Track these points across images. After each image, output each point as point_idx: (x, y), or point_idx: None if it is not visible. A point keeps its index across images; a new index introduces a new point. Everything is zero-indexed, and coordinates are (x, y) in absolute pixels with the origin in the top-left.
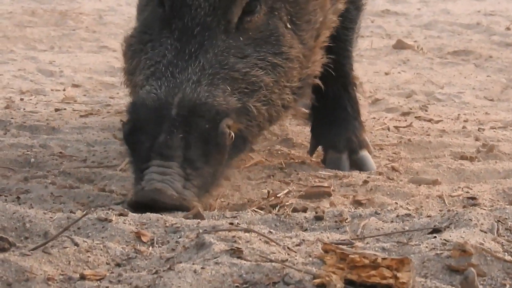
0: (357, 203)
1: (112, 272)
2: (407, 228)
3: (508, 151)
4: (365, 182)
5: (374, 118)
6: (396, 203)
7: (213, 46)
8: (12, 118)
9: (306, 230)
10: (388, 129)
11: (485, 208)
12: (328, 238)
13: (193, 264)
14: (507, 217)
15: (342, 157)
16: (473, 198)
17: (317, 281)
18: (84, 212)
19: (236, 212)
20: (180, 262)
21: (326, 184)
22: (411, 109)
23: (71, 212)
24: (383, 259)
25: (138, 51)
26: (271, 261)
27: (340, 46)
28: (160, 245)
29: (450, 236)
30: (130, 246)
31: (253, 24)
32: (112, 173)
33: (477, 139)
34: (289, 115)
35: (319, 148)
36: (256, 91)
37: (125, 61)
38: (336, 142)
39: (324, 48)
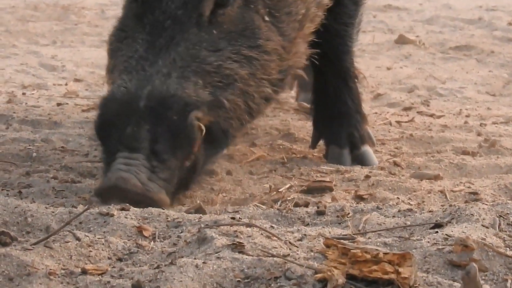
0: (359, 198)
1: (113, 267)
2: (408, 223)
3: (510, 146)
4: (367, 177)
5: (376, 113)
6: (398, 198)
7: (184, 39)
8: (14, 112)
9: (308, 225)
10: (390, 124)
11: (487, 203)
12: (329, 233)
13: (195, 258)
14: (508, 212)
15: (343, 152)
16: (475, 193)
17: (318, 276)
18: (86, 207)
19: (238, 206)
20: (182, 257)
21: (328, 179)
22: (413, 104)
23: (73, 206)
24: (385, 254)
25: (116, 49)
26: (272, 256)
27: (339, 41)
28: (162, 239)
29: (452, 231)
30: (131, 240)
31: (226, 17)
32: None
33: (479, 134)
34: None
35: (321, 142)
36: (230, 84)
37: (107, 60)
38: (338, 137)
39: (323, 42)
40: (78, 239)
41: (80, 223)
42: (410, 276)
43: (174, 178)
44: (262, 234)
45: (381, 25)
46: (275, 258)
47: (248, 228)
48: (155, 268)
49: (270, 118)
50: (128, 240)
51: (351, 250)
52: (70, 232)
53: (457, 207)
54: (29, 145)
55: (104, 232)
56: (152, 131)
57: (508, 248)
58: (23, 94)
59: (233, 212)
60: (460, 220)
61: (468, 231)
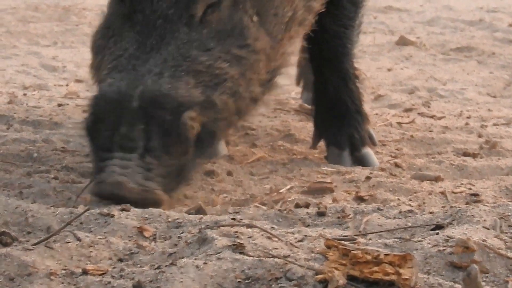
0: (360, 199)
1: (114, 267)
2: (409, 224)
3: (511, 148)
4: (368, 178)
5: (376, 114)
6: (399, 199)
7: (175, 38)
8: (15, 113)
9: (308, 226)
10: (391, 125)
11: (487, 204)
12: (330, 234)
13: (196, 259)
14: (510, 213)
15: (343, 153)
16: (475, 195)
17: (319, 277)
18: (87, 207)
19: (238, 207)
20: (183, 257)
21: (328, 180)
22: (413, 105)
23: (73, 207)
24: (386, 255)
25: (102, 47)
26: (273, 256)
27: (338, 43)
28: (163, 240)
29: (453, 232)
30: (132, 241)
31: (216, 16)
32: None
33: (480, 136)
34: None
35: (322, 144)
36: (220, 83)
37: (92, 56)
38: (338, 139)
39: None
40: (78, 239)
41: (81, 223)
42: (411, 277)
43: (170, 176)
44: (262, 235)
45: (381, 26)
46: (275, 259)
47: (248, 229)
48: (155, 269)
49: (270, 119)
50: (129, 241)
51: (352, 251)
52: (71, 232)
53: (458, 208)
54: (30, 146)
55: (104, 232)
56: (146, 131)
57: (509, 250)
58: (24, 94)
59: (233, 212)
60: (461, 222)
61: (469, 233)
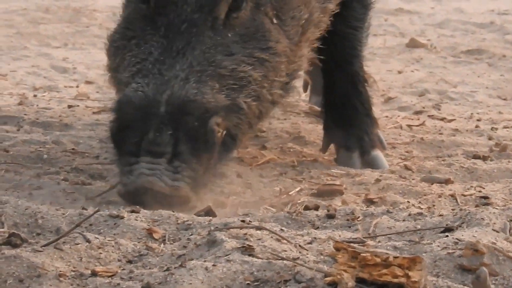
0: (369, 202)
1: (123, 269)
2: (419, 227)
3: None
4: (377, 180)
5: (386, 116)
6: (408, 201)
7: (200, 43)
8: (25, 114)
9: (317, 228)
10: (401, 127)
11: (497, 207)
12: (339, 236)
13: (205, 261)
14: None
15: (353, 155)
16: (485, 198)
17: (328, 279)
18: (96, 209)
19: (248, 209)
20: (192, 259)
21: (338, 182)
22: (424, 107)
23: (83, 208)
24: (395, 257)
25: (122, 48)
26: (282, 259)
27: (348, 45)
28: (172, 242)
29: (462, 235)
30: (141, 243)
31: (239, 20)
32: None
33: (490, 138)
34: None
35: (332, 146)
36: (245, 86)
37: (108, 57)
38: (347, 141)
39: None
40: (88, 241)
41: (90, 225)
42: (420, 280)
43: (196, 179)
44: (272, 237)
45: (392, 29)
46: (285, 261)
47: (258, 231)
48: (164, 271)
49: (280, 121)
50: (138, 242)
51: (361, 254)
52: (80, 234)
53: (468, 211)
54: (40, 147)
55: (114, 234)
56: (173, 137)
57: None
58: (34, 96)
59: (243, 215)
60: (470, 224)
61: (478, 235)
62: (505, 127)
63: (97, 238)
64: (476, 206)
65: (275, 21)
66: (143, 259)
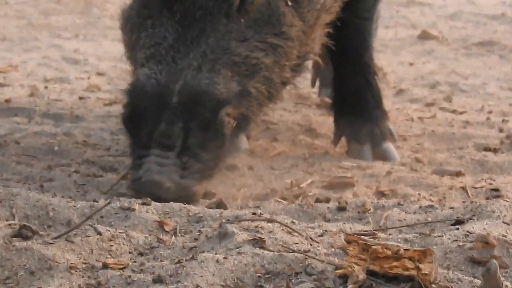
0: (380, 194)
1: (134, 261)
2: (429, 219)
3: None
4: (389, 173)
5: (398, 108)
6: (419, 194)
7: (214, 30)
8: (36, 106)
9: (328, 220)
10: (412, 119)
11: (508, 200)
12: (350, 229)
13: (216, 254)
14: None
15: (364, 148)
16: (496, 190)
17: (339, 272)
18: (107, 201)
19: (259, 202)
20: (203, 252)
21: (349, 175)
22: (435, 100)
23: (94, 200)
24: (406, 250)
25: (138, 25)
26: (293, 251)
27: (358, 36)
28: (183, 234)
29: (473, 227)
30: (153, 235)
31: (254, 5)
32: None
33: (501, 131)
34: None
35: (343, 138)
36: (256, 72)
37: (124, 33)
38: (358, 134)
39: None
40: (99, 233)
41: (102, 217)
42: (431, 272)
43: (205, 171)
44: (283, 229)
45: (403, 21)
46: (296, 254)
47: (269, 224)
48: (176, 263)
49: (292, 113)
50: (149, 235)
51: (372, 246)
52: (91, 226)
53: (478, 203)
54: (51, 139)
55: (125, 226)
56: (185, 129)
57: None
58: (45, 87)
59: (254, 207)
60: (481, 217)
61: (489, 228)
62: None
63: (108, 230)
64: (487, 198)
65: (290, 3)
66: (154, 251)
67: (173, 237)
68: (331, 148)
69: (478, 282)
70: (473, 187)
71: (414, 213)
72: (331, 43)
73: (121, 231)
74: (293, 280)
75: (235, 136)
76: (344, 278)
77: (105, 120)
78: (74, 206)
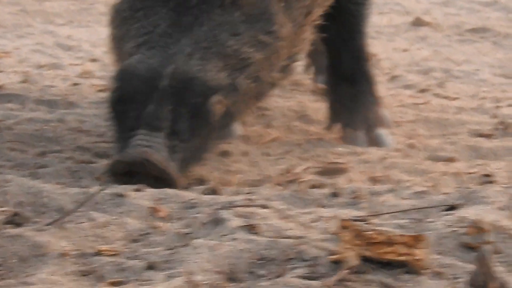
0: (374, 180)
1: (128, 248)
2: (423, 205)
3: None
4: (383, 158)
5: (392, 95)
6: (413, 180)
7: (208, 20)
8: (29, 92)
9: (323, 206)
10: (406, 106)
11: (501, 185)
12: (345, 214)
13: (210, 240)
14: None
15: (358, 134)
16: (489, 176)
17: (333, 257)
18: (101, 187)
19: (253, 188)
20: (197, 238)
21: (343, 161)
22: (428, 86)
23: (87, 187)
24: (399, 235)
25: (129, 18)
26: (287, 237)
27: (352, 21)
28: (177, 220)
29: (466, 213)
30: (146, 221)
31: (248, 0)
32: None
33: (494, 117)
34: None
35: (337, 124)
36: (246, 67)
37: (113, 27)
38: (353, 119)
39: (335, 23)
40: (92, 220)
41: (95, 203)
42: (424, 258)
43: (191, 159)
44: (277, 215)
45: (398, 7)
46: (289, 240)
47: (263, 210)
48: (169, 249)
49: (286, 99)
50: (143, 221)
51: (366, 232)
52: (85, 212)
53: (472, 189)
54: (45, 125)
55: (119, 213)
56: (173, 112)
57: None
58: (39, 74)
59: (248, 193)
60: (474, 202)
61: (482, 213)
62: (509, 106)
63: (102, 217)
64: (480, 184)
65: (281, 3)
66: (148, 238)
67: (166, 224)
68: (326, 134)
69: (471, 267)
70: (467, 172)
71: (408, 198)
72: (325, 27)
73: (114, 217)
74: (287, 266)
75: (225, 126)
76: (338, 263)
77: (98, 106)
78: (67, 192)
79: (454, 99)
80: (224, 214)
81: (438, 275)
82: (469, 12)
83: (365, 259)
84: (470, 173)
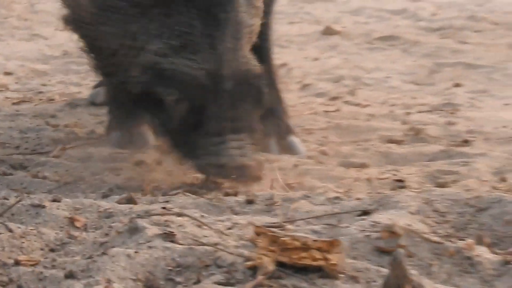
0: (288, 187)
1: (46, 258)
2: (337, 210)
3: (434, 134)
4: (295, 165)
5: (303, 103)
6: (326, 186)
7: (234, 7)
8: None
9: (237, 213)
10: (317, 113)
11: (412, 190)
12: (259, 221)
13: (127, 248)
14: (434, 199)
15: (270, 142)
16: (400, 181)
17: (249, 263)
18: (18, 198)
19: (168, 196)
20: (114, 247)
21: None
22: (339, 93)
23: (4, 198)
24: (314, 241)
25: (135, 15)
26: (203, 244)
27: (261, 30)
28: (94, 230)
29: (379, 218)
30: (64, 231)
31: None
32: (45, 159)
33: (404, 123)
34: None
35: None
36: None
37: (110, 25)
38: (264, 128)
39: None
40: (10, 230)
41: (12, 214)
42: (339, 262)
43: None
44: (193, 223)
45: (308, 17)
46: (206, 247)
47: (179, 218)
48: (87, 258)
49: None
50: (60, 231)
51: (281, 238)
52: (2, 223)
53: (384, 194)
54: None
55: (36, 223)
56: (244, 110)
57: (433, 234)
58: None
59: (164, 201)
60: (387, 207)
61: (394, 218)
62: (419, 112)
63: (19, 227)
64: (392, 189)
65: None
66: (65, 247)
67: (84, 233)
68: None
69: (385, 271)
70: (378, 178)
71: (321, 204)
72: None
73: (32, 228)
74: (203, 273)
75: None
76: (254, 269)
77: (14, 119)
78: None
79: (365, 106)
80: (141, 223)
81: (353, 279)
82: (378, 20)
83: (281, 265)
84: (382, 179)
